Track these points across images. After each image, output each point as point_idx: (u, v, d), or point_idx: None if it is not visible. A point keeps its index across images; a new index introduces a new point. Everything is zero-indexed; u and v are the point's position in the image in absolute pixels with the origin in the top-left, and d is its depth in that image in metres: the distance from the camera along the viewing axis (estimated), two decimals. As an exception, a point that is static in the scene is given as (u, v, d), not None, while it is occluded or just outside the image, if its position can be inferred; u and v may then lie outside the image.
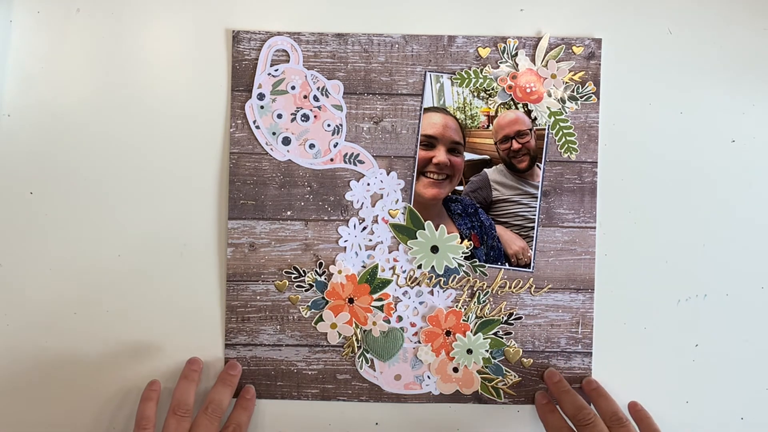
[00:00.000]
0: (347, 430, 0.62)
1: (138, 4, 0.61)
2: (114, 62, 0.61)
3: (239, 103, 0.61)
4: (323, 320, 0.61)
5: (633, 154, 0.62)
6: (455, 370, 0.61)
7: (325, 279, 0.61)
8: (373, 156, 0.61)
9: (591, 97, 0.61)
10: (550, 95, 0.61)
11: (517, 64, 0.61)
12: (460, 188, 0.61)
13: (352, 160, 0.61)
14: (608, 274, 0.62)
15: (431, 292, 0.61)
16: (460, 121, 0.61)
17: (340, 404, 0.62)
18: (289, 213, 0.61)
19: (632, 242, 0.62)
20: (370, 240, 0.61)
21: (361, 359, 0.61)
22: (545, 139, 0.61)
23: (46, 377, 0.61)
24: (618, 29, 0.61)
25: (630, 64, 0.61)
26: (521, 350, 0.61)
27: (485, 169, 0.61)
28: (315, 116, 0.61)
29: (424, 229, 0.61)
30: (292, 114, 0.61)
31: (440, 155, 0.61)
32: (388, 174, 0.61)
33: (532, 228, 0.61)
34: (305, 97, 0.61)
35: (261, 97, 0.61)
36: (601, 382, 0.60)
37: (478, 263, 0.61)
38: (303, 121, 0.61)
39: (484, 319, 0.61)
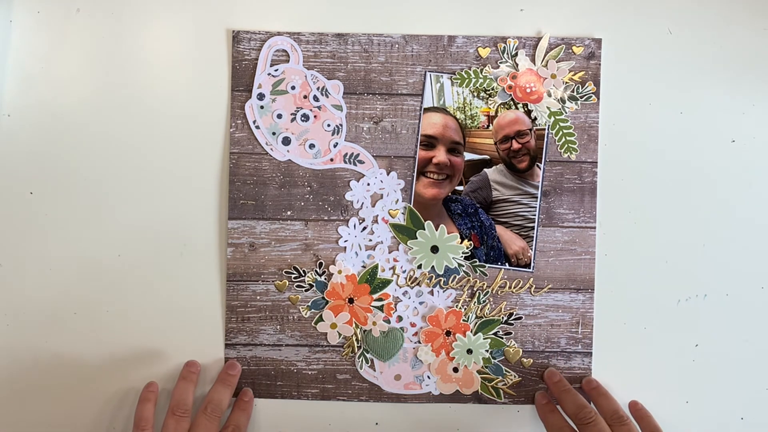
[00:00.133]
0: (347, 430, 0.62)
1: (138, 4, 0.61)
2: (114, 62, 0.61)
3: (239, 103, 0.61)
4: (323, 320, 0.61)
5: (633, 154, 0.62)
6: (455, 370, 0.61)
7: (325, 279, 0.61)
8: (373, 156, 0.61)
9: (591, 97, 0.61)
10: (550, 95, 0.61)
11: (517, 64, 0.61)
12: (460, 188, 0.61)
13: (352, 160, 0.61)
14: (608, 274, 0.62)
15: (431, 292, 0.61)
16: (460, 121, 0.61)
17: (340, 404, 0.62)
18: (289, 213, 0.61)
19: (632, 242, 0.62)
20: (370, 240, 0.61)
21: (361, 359, 0.61)
22: (545, 139, 0.61)
23: (46, 377, 0.61)
24: (618, 29, 0.61)
25: (630, 64, 0.61)
26: (521, 350, 0.61)
27: (485, 169, 0.61)
28: (315, 116, 0.61)
29: (424, 229, 0.61)
30: (292, 114, 0.61)
31: (440, 155, 0.61)
32: (388, 174, 0.61)
33: (532, 228, 0.61)
34: (305, 97, 0.61)
35: (261, 97, 0.61)
36: (601, 382, 0.60)
37: (478, 263, 0.61)
38: (303, 121, 0.61)
39: (484, 319, 0.61)
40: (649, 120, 0.62)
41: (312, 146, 0.61)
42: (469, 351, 0.61)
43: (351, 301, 0.61)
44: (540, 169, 0.61)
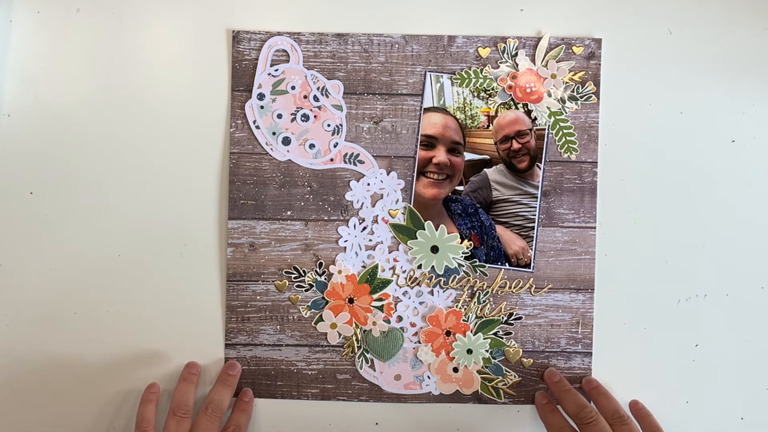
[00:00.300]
0: (347, 430, 0.62)
1: (138, 4, 0.61)
2: (114, 62, 0.61)
3: (239, 103, 0.61)
4: (323, 320, 0.61)
5: (633, 154, 0.62)
6: (455, 370, 0.61)
7: (325, 279, 0.61)
8: (373, 156, 0.61)
9: (591, 97, 0.61)
10: (550, 95, 0.61)
11: (517, 64, 0.61)
12: (460, 188, 0.61)
13: (352, 160, 0.61)
14: (608, 274, 0.62)
15: (431, 292, 0.61)
16: (460, 121, 0.61)
17: (340, 404, 0.62)
18: (289, 213, 0.61)
19: (632, 242, 0.62)
20: (370, 240, 0.61)
21: (361, 359, 0.61)
22: (545, 139, 0.61)
23: (46, 377, 0.61)
24: (618, 29, 0.61)
25: (630, 64, 0.61)
26: (521, 350, 0.61)
27: (485, 169, 0.61)
28: (315, 116, 0.61)
29: (424, 229, 0.61)
30: (292, 114, 0.61)
31: (440, 155, 0.61)
32: (388, 174, 0.61)
33: (532, 228, 0.61)
34: (305, 97, 0.61)
35: (261, 97, 0.61)
36: (601, 382, 0.60)
37: (478, 263, 0.61)
38: (303, 121, 0.61)
39: (484, 319, 0.61)
40: (649, 120, 0.62)
41: (312, 146, 0.61)
42: (469, 351, 0.61)
43: (351, 301, 0.61)
44: (540, 169, 0.61)
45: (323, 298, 0.61)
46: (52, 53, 0.61)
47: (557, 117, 0.61)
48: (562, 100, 0.61)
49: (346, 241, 0.61)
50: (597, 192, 0.61)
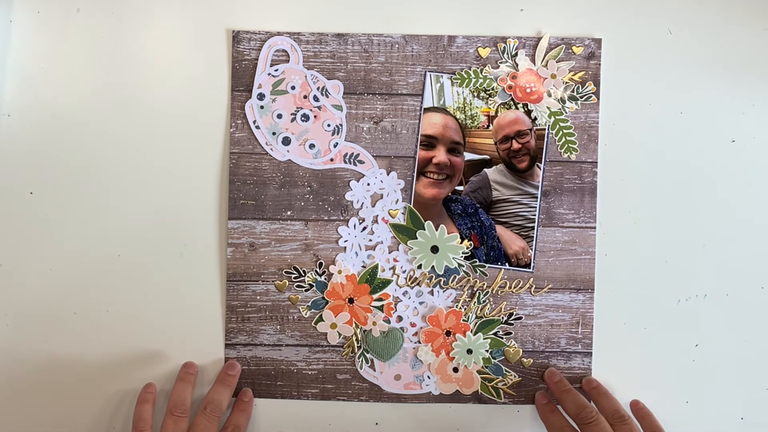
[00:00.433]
0: (347, 430, 0.62)
1: (138, 4, 0.61)
2: (114, 62, 0.61)
3: (239, 103, 0.61)
4: (323, 320, 0.61)
5: (633, 154, 0.62)
6: (455, 370, 0.61)
7: (325, 279, 0.61)
8: (373, 156, 0.61)
9: (591, 97, 0.61)
10: (550, 95, 0.61)
11: (517, 64, 0.61)
12: (460, 188, 0.61)
13: (352, 160, 0.61)
14: (608, 274, 0.62)
15: (431, 292, 0.61)
16: (460, 121, 0.61)
17: (340, 404, 0.62)
18: (289, 213, 0.61)
19: (632, 242, 0.62)
20: (370, 240, 0.61)
21: (361, 359, 0.61)
22: (545, 139, 0.61)
23: (46, 377, 0.61)
24: (618, 29, 0.61)
25: (630, 64, 0.61)
26: (521, 350, 0.61)
27: (485, 169, 0.61)
28: (315, 116, 0.61)
29: (424, 229, 0.61)
30: (292, 114, 0.61)
31: (440, 155, 0.61)
32: (388, 174, 0.61)
33: (532, 228, 0.61)
34: (305, 97, 0.61)
35: (261, 97, 0.61)
36: (601, 381, 0.60)
37: (478, 263, 0.61)
38: (303, 121, 0.61)
39: (484, 319, 0.61)
40: (649, 120, 0.62)
41: (312, 146, 0.61)
42: (469, 351, 0.61)
43: (351, 301, 0.61)
44: (540, 169, 0.61)
45: (323, 298, 0.61)
46: (52, 53, 0.61)
47: (557, 117, 0.61)
48: (562, 100, 0.61)
49: (346, 241, 0.61)
50: (597, 192, 0.61)
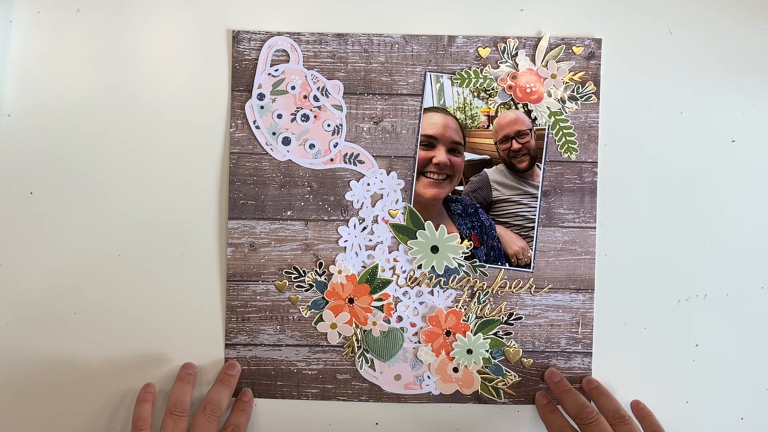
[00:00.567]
0: (347, 430, 0.62)
1: (138, 4, 0.61)
2: (114, 62, 0.61)
3: (239, 103, 0.61)
4: (323, 320, 0.61)
5: (633, 154, 0.62)
6: (455, 370, 0.61)
7: (325, 279, 0.61)
8: (373, 156, 0.61)
9: (591, 97, 0.61)
10: (550, 95, 0.61)
11: (517, 64, 0.61)
12: (460, 188, 0.61)
13: (352, 160, 0.61)
14: (608, 274, 0.62)
15: (431, 292, 0.61)
16: (460, 121, 0.61)
17: (340, 404, 0.62)
18: (289, 213, 0.61)
19: (632, 242, 0.62)
20: (370, 240, 0.61)
21: (361, 359, 0.61)
22: (545, 139, 0.61)
23: (46, 377, 0.61)
24: (618, 29, 0.61)
25: (630, 64, 0.61)
26: (521, 350, 0.61)
27: (485, 169, 0.61)
28: (315, 116, 0.61)
29: (424, 229, 0.61)
30: (292, 114, 0.61)
31: (440, 155, 0.61)
32: (388, 174, 0.61)
33: (532, 228, 0.61)
34: (305, 97, 0.61)
35: (261, 97, 0.61)
36: (601, 382, 0.60)
37: (478, 263, 0.61)
38: (303, 121, 0.61)
39: (484, 319, 0.61)
40: (649, 120, 0.62)
41: (312, 146, 0.61)
42: (469, 351, 0.61)
43: (351, 301, 0.61)
44: (540, 169, 0.61)
45: (323, 298, 0.61)
46: (52, 53, 0.61)
47: (557, 117, 0.61)
48: (562, 100, 0.61)
49: (346, 241, 0.61)
50: (597, 192, 0.61)
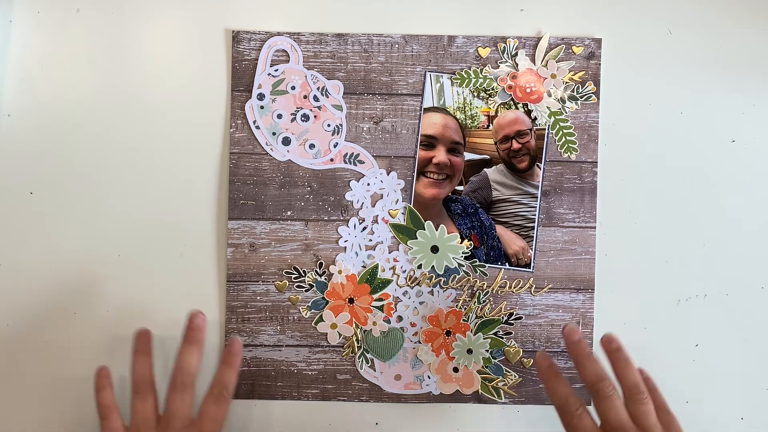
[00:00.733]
0: (347, 430, 0.62)
1: (138, 4, 0.61)
2: (114, 62, 0.61)
3: (239, 103, 0.61)
4: (323, 320, 0.61)
5: (633, 154, 0.62)
6: (455, 370, 0.61)
7: (325, 279, 0.61)
8: (373, 156, 0.61)
9: (591, 97, 0.61)
10: (550, 95, 0.61)
11: (517, 64, 0.61)
12: (460, 188, 0.61)
13: (352, 160, 0.61)
14: (608, 274, 0.62)
15: (431, 292, 0.61)
16: (460, 121, 0.61)
17: (340, 404, 0.62)
18: (289, 213, 0.61)
19: (632, 242, 0.62)
20: (370, 240, 0.61)
21: (361, 359, 0.61)
22: (545, 139, 0.61)
23: (46, 377, 0.61)
24: (618, 29, 0.61)
25: (630, 64, 0.61)
26: (521, 350, 0.61)
27: (485, 169, 0.61)
28: (315, 116, 0.61)
29: (424, 229, 0.61)
30: (292, 114, 0.61)
31: (440, 155, 0.61)
32: (388, 174, 0.61)
33: (532, 228, 0.61)
34: (305, 97, 0.61)
35: (261, 97, 0.61)
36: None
37: (478, 263, 0.61)
38: (303, 121, 0.61)
39: (484, 319, 0.61)
40: (649, 120, 0.62)
41: (312, 146, 0.61)
42: (470, 351, 0.61)
43: (351, 301, 0.61)
44: (540, 169, 0.61)
45: (323, 298, 0.61)
46: (52, 53, 0.61)
47: (557, 117, 0.61)
48: (562, 100, 0.61)
49: (346, 241, 0.61)
50: (597, 192, 0.61)
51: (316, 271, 0.61)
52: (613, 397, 0.51)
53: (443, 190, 0.61)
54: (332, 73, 0.61)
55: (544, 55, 0.61)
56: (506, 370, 0.61)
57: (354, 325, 0.61)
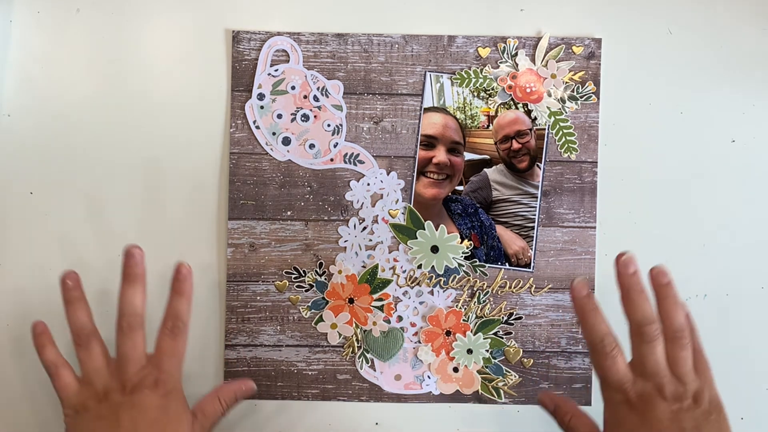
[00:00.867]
0: (347, 430, 0.62)
1: (138, 4, 0.61)
2: (114, 62, 0.61)
3: (239, 103, 0.61)
4: (323, 320, 0.61)
5: (633, 154, 0.62)
6: (455, 370, 0.61)
7: (325, 279, 0.61)
8: (373, 156, 0.61)
9: (591, 96, 0.61)
10: (550, 95, 0.61)
11: (517, 64, 0.61)
12: (460, 188, 0.61)
13: (352, 160, 0.61)
14: (608, 274, 0.61)
15: (431, 292, 0.61)
16: (460, 121, 0.61)
17: (340, 404, 0.62)
18: (289, 213, 0.61)
19: (632, 242, 0.62)
20: (370, 240, 0.61)
21: (361, 359, 0.61)
22: (545, 139, 0.61)
23: (46, 377, 0.61)
24: (618, 29, 0.61)
25: (630, 64, 0.61)
26: (521, 350, 0.61)
27: (485, 169, 0.61)
28: (315, 116, 0.61)
29: (424, 229, 0.61)
30: (292, 114, 0.61)
31: (440, 155, 0.61)
32: (388, 174, 0.61)
33: (532, 228, 0.61)
34: (305, 97, 0.61)
35: (261, 97, 0.61)
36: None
37: (478, 263, 0.61)
38: (303, 121, 0.61)
39: (484, 319, 0.61)
40: (649, 120, 0.62)
41: (312, 146, 0.61)
42: (470, 351, 0.61)
43: (351, 301, 0.61)
44: (540, 169, 0.61)
45: (323, 298, 0.61)
46: (52, 53, 0.61)
47: (557, 117, 0.61)
48: (562, 100, 0.61)
49: (346, 241, 0.61)
50: (597, 192, 0.61)
51: (316, 271, 0.61)
52: (657, 342, 0.46)
53: (443, 190, 0.61)
54: (332, 73, 0.61)
55: (544, 55, 0.61)
56: (506, 370, 0.61)
57: (354, 325, 0.61)
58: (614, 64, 0.61)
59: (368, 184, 0.61)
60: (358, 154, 0.61)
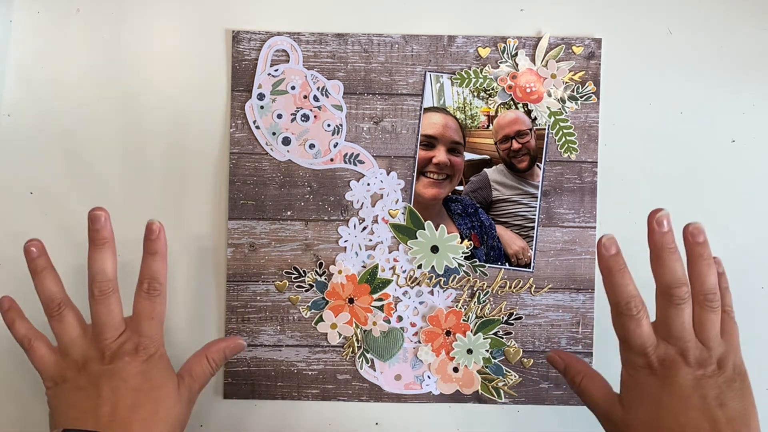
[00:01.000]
0: (347, 430, 0.62)
1: (138, 4, 0.61)
2: (114, 62, 0.61)
3: (239, 103, 0.61)
4: (323, 320, 0.61)
5: (633, 154, 0.62)
6: (455, 370, 0.61)
7: (325, 279, 0.61)
8: (373, 156, 0.61)
9: (591, 96, 0.61)
10: (550, 95, 0.61)
11: (517, 64, 0.61)
12: (460, 188, 0.61)
13: (352, 160, 0.61)
14: (608, 274, 0.61)
15: (431, 292, 0.61)
16: (460, 121, 0.61)
17: (340, 404, 0.62)
18: (289, 213, 0.61)
19: (632, 242, 0.62)
20: (370, 240, 0.61)
21: (361, 359, 0.61)
22: (545, 139, 0.61)
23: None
24: (618, 29, 0.61)
25: (630, 64, 0.61)
26: (521, 350, 0.61)
27: (485, 169, 0.61)
28: (315, 116, 0.61)
29: (424, 229, 0.61)
30: (292, 114, 0.61)
31: (440, 155, 0.61)
32: (388, 174, 0.61)
33: (532, 228, 0.61)
34: (305, 97, 0.61)
35: (261, 97, 0.61)
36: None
37: (478, 263, 0.61)
38: (303, 121, 0.61)
39: (484, 319, 0.61)
40: (649, 120, 0.62)
41: (312, 146, 0.61)
42: (470, 351, 0.61)
43: (351, 301, 0.61)
44: (540, 169, 0.61)
45: (323, 298, 0.61)
46: (52, 53, 0.61)
47: (557, 117, 0.61)
48: (562, 100, 0.61)
49: (346, 241, 0.61)
50: (597, 192, 0.61)
51: (316, 271, 0.61)
52: (685, 305, 0.44)
53: (443, 190, 0.61)
54: (332, 73, 0.61)
55: (544, 55, 0.61)
56: (506, 370, 0.61)
57: (354, 325, 0.61)
58: (614, 64, 0.61)
59: (368, 184, 0.61)
60: (358, 154, 0.61)
